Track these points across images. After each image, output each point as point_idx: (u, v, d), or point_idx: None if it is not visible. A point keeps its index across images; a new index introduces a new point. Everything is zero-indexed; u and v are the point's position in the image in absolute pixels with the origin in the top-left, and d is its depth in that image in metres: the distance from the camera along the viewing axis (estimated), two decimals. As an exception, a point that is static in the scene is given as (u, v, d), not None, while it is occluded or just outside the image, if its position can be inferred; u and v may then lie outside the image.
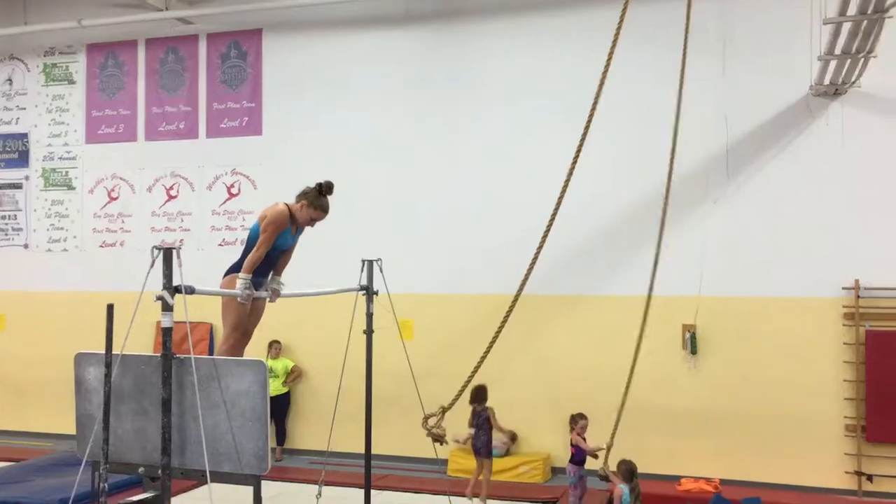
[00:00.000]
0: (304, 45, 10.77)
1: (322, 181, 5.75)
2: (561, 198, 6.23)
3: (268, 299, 5.91)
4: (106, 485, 4.41)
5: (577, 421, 7.85)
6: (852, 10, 6.48)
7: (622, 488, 7.15)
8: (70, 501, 4.70)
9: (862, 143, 8.77)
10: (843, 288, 8.71)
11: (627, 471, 7.22)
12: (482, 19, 10.09)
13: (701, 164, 9.21)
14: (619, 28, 6.04)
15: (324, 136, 10.64)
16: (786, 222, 8.96)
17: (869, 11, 6.38)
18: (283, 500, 8.20)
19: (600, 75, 6.10)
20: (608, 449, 7.58)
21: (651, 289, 7.60)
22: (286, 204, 5.76)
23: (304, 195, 5.77)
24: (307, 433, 10.37)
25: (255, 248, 5.59)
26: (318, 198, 5.74)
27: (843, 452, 8.69)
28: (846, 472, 8.65)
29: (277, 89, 10.88)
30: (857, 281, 8.66)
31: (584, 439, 7.72)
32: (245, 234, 10.74)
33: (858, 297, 8.64)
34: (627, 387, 7.48)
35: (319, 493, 7.14)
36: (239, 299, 5.50)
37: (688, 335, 9.12)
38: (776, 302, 8.92)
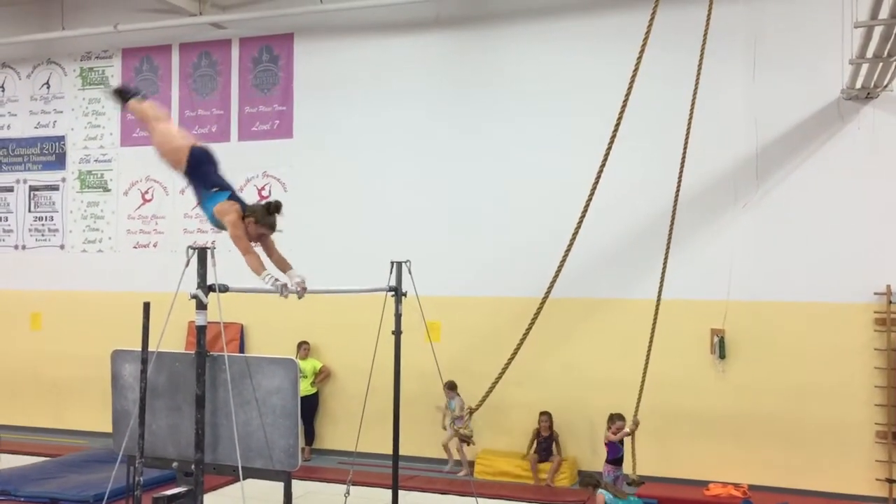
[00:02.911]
0: (335, 50, 10.88)
1: (272, 201, 5.44)
2: (589, 201, 6.26)
3: (297, 296, 5.78)
4: (141, 478, 4.51)
5: (615, 421, 8.01)
6: (884, 13, 6.42)
7: (602, 493, 7.36)
8: (106, 495, 4.80)
9: (893, 147, 8.67)
10: (875, 293, 8.63)
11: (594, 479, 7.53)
12: (510, 24, 10.13)
13: (730, 167, 9.18)
14: (647, 34, 6.06)
15: (353, 140, 10.74)
16: (816, 226, 8.89)
17: (901, 15, 6.34)
18: (312, 500, 8.28)
19: (628, 80, 6.11)
20: (635, 425, 7.83)
21: (660, 294, 7.70)
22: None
23: (252, 212, 5.40)
24: (335, 433, 10.45)
25: (245, 252, 5.28)
26: (265, 216, 5.41)
27: (873, 459, 8.60)
28: (876, 480, 8.55)
29: (308, 93, 11.00)
30: (888, 286, 8.57)
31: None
32: (276, 237, 11.03)
33: (890, 302, 8.55)
34: (642, 384, 7.69)
35: (347, 493, 7.21)
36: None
37: (716, 339, 9.08)
38: (806, 307, 8.85)
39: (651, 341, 7.72)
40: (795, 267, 8.91)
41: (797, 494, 8.49)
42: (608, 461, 8.04)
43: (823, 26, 8.70)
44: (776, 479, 8.76)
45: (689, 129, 7.59)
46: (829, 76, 8.71)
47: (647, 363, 7.70)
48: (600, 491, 7.35)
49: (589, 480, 7.51)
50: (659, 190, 9.08)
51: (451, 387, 9.29)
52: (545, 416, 9.38)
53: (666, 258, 7.73)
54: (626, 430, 7.91)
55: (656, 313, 7.67)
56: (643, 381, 7.72)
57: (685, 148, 7.64)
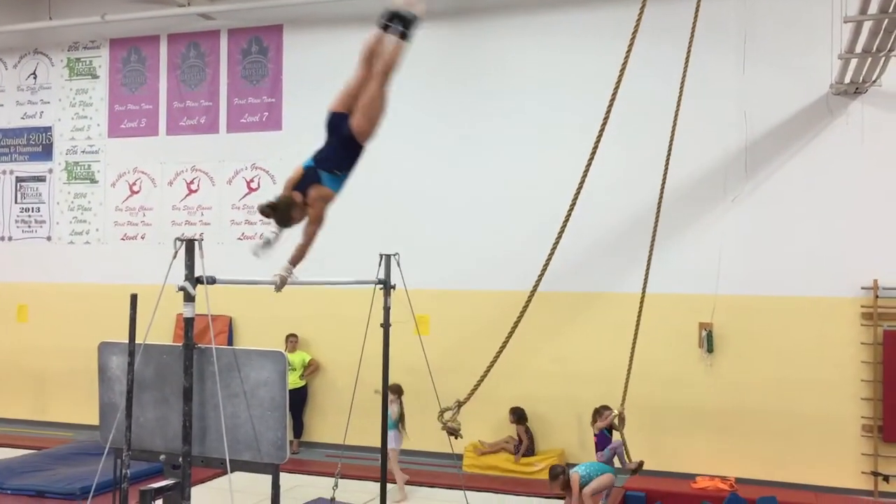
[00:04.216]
0: (324, 41, 10.82)
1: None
2: (577, 195, 6.25)
3: (273, 287, 5.56)
4: (128, 471, 4.48)
5: (601, 413, 7.98)
6: (873, 8, 6.45)
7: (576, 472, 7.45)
8: (93, 488, 4.77)
9: (882, 142, 8.72)
10: (862, 288, 8.68)
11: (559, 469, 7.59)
12: (500, 17, 10.11)
13: (719, 161, 9.20)
14: (636, 28, 6.03)
15: (343, 132, 10.69)
16: (804, 221, 8.93)
17: (890, 10, 6.35)
18: (300, 493, 8.27)
19: (617, 73, 6.10)
20: (621, 417, 7.79)
21: (644, 288, 7.71)
22: None
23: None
24: (324, 426, 10.45)
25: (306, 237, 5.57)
26: None
27: (859, 452, 8.65)
28: (862, 473, 8.62)
29: (297, 85, 10.95)
30: (875, 281, 8.62)
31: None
32: (263, 229, 10.98)
33: (877, 297, 8.60)
34: (627, 377, 7.71)
35: (335, 486, 7.21)
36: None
37: (704, 333, 9.11)
38: (793, 301, 8.89)
39: (636, 335, 7.71)
40: (783, 261, 8.95)
41: (784, 487, 8.53)
42: (599, 452, 8.04)
43: (813, 21, 8.72)
44: (763, 473, 8.81)
45: (674, 123, 7.58)
46: (818, 71, 8.74)
47: (631, 357, 7.69)
48: (574, 469, 7.43)
49: (557, 471, 7.54)
50: (650, 184, 9.05)
51: (394, 390, 8.37)
52: (512, 412, 9.44)
53: (651, 252, 7.73)
54: (615, 420, 7.91)
55: (641, 307, 7.67)
56: (628, 375, 7.73)
57: (671, 142, 7.65)
